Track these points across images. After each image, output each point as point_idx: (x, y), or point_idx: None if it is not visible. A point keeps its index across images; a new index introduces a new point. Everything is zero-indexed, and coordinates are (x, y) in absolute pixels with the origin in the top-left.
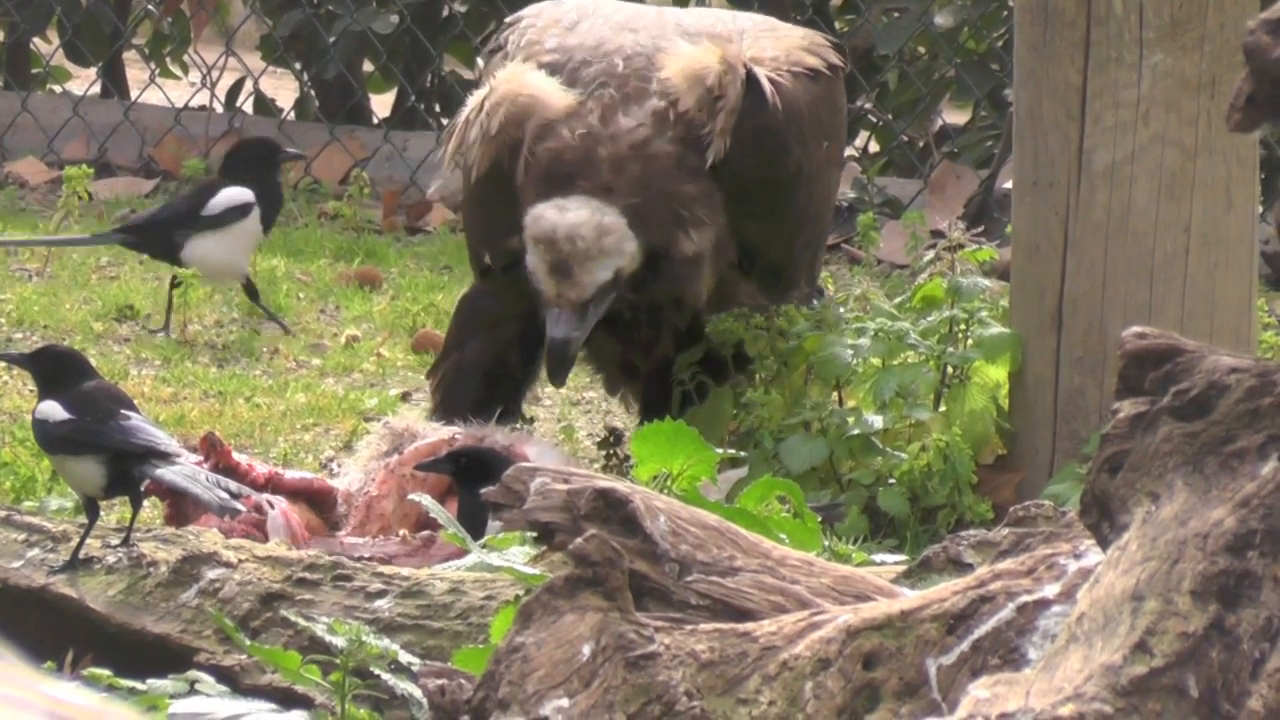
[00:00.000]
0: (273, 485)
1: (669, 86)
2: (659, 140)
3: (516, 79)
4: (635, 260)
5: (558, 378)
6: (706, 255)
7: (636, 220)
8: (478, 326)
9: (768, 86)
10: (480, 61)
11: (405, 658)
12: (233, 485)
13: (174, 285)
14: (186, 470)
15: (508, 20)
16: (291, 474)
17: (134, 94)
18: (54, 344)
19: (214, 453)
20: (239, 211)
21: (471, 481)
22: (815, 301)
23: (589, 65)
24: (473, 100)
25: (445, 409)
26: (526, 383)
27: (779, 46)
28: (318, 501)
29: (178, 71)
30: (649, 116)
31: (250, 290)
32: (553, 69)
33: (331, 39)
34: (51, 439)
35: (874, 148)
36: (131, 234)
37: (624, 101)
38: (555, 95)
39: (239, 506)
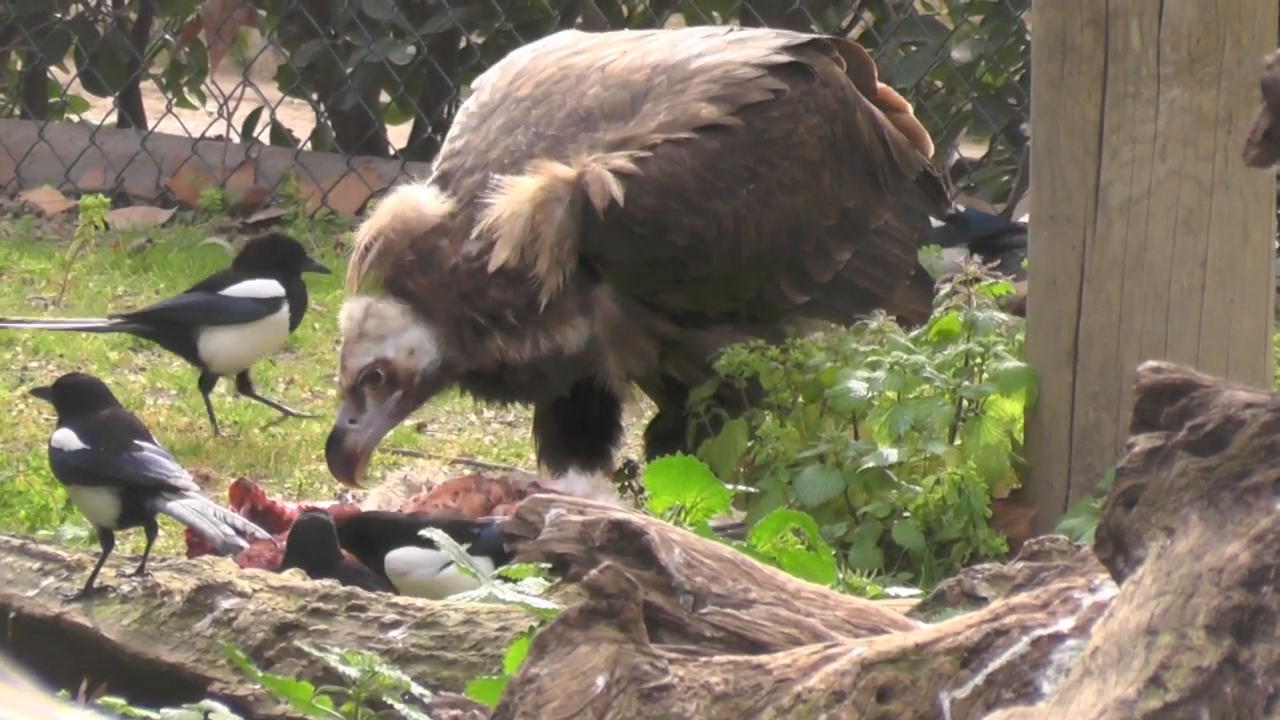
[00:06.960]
0: None
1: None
2: (479, 260)
3: (390, 209)
4: (417, 358)
5: (334, 471)
6: (600, 345)
7: (453, 339)
8: None
9: (603, 190)
10: None
11: (418, 689)
12: (239, 522)
13: (204, 386)
14: (195, 504)
15: (473, 85)
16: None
17: (151, 124)
18: (75, 372)
19: (248, 497)
20: (269, 305)
21: (360, 549)
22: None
23: (471, 174)
24: (362, 230)
25: (544, 459)
26: (609, 430)
27: (677, 107)
28: None
29: (195, 101)
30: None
31: (244, 383)
32: (445, 178)
33: (349, 70)
34: (66, 469)
35: None
36: (145, 322)
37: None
38: (427, 213)
39: (242, 543)
